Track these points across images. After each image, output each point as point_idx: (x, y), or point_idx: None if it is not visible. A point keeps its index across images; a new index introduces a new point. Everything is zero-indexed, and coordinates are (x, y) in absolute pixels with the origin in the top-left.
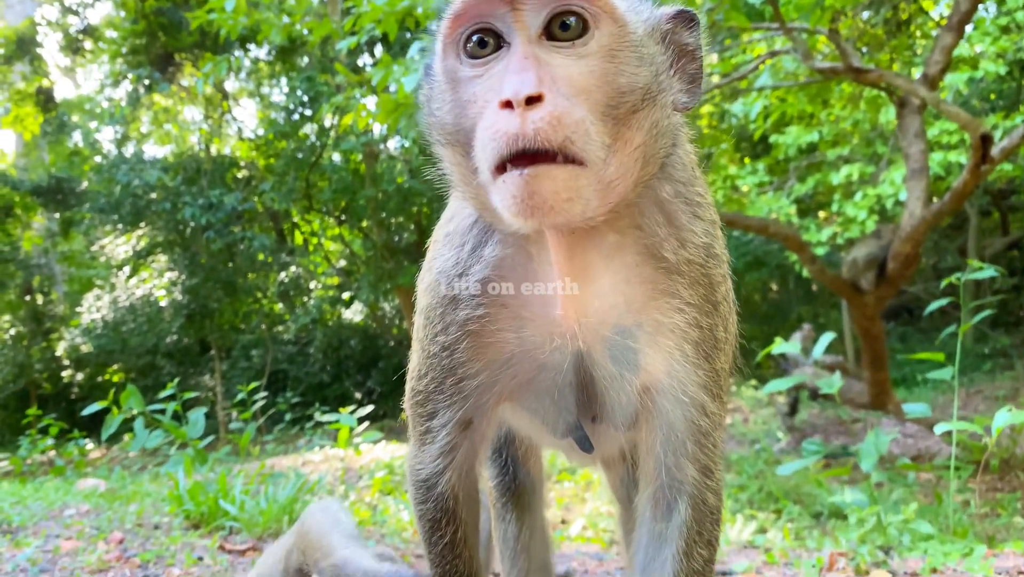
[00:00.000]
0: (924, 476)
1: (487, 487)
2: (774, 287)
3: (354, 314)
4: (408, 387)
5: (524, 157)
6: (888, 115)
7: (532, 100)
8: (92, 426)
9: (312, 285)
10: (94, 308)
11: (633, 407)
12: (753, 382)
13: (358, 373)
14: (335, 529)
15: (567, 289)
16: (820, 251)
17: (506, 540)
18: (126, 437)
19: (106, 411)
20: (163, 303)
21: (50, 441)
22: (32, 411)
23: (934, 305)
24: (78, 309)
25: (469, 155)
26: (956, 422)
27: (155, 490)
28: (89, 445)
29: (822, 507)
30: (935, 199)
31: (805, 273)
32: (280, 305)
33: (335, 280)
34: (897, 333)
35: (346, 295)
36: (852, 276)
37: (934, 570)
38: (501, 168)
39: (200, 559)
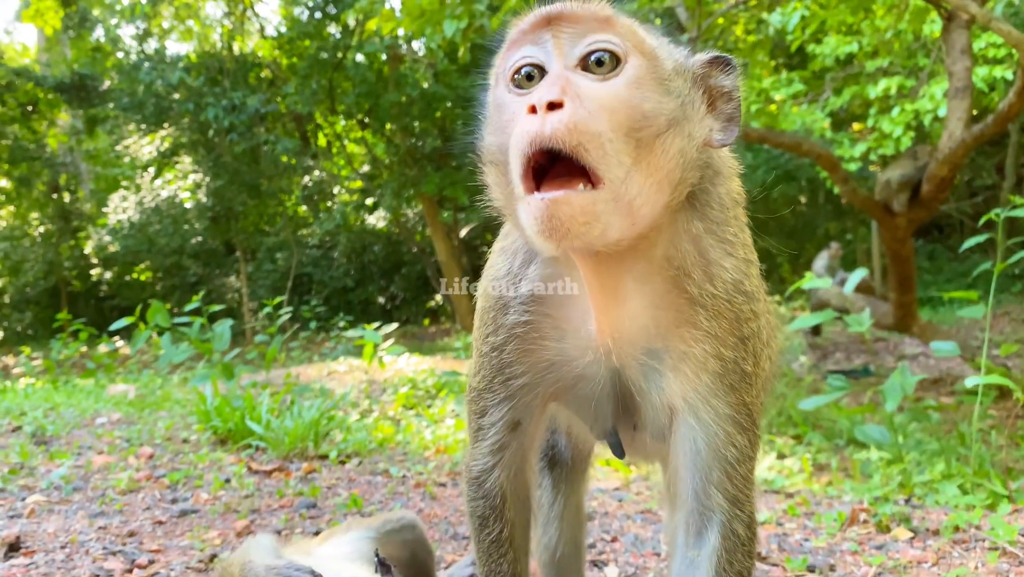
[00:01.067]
0: (945, 400)
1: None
2: (803, 200)
3: (377, 220)
4: (468, 386)
5: (548, 176)
6: (933, 27)
7: (554, 106)
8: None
9: (336, 190)
10: (120, 208)
11: (664, 423)
12: (777, 298)
13: (381, 278)
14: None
15: (600, 308)
16: (852, 167)
17: (539, 507)
18: (154, 336)
19: (146, 304)
20: (188, 205)
21: (81, 347)
22: (62, 315)
23: (970, 242)
24: (104, 209)
25: (507, 174)
26: (985, 376)
27: (183, 398)
28: (120, 343)
29: (842, 434)
30: (977, 121)
31: (836, 189)
32: (304, 208)
33: (358, 184)
34: (926, 251)
35: (369, 201)
36: (884, 197)
37: (956, 528)
38: (528, 177)
39: (227, 481)
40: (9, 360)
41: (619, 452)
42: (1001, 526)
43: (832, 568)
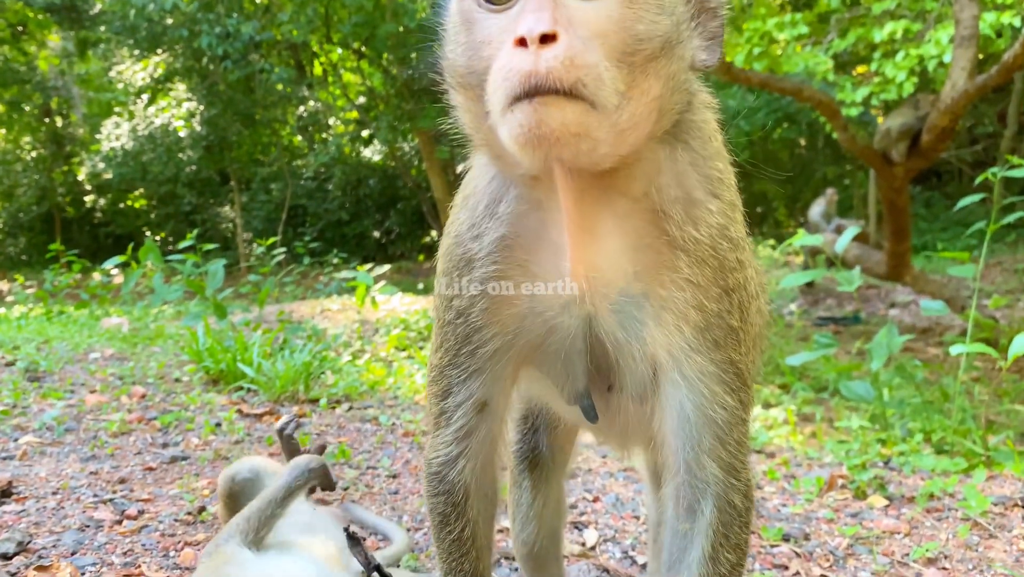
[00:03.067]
0: (932, 351)
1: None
2: (802, 144)
3: (373, 153)
4: (428, 365)
5: (536, 95)
6: None
7: (546, 39)
8: (118, 250)
9: (331, 121)
10: (114, 136)
11: (645, 381)
12: (771, 241)
13: (377, 213)
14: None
15: (576, 246)
16: (853, 111)
17: (519, 505)
18: (150, 265)
19: (138, 232)
20: (182, 133)
21: (75, 276)
22: (55, 246)
23: (964, 201)
24: (98, 136)
25: (482, 99)
26: (971, 344)
27: (176, 334)
28: (115, 271)
29: (828, 386)
30: (982, 69)
31: (835, 135)
32: (299, 139)
33: (354, 115)
34: (922, 199)
35: (365, 133)
36: (884, 146)
37: (931, 496)
38: (512, 106)
39: (218, 425)
40: (3, 286)
41: (592, 416)
42: (974, 497)
43: (807, 537)
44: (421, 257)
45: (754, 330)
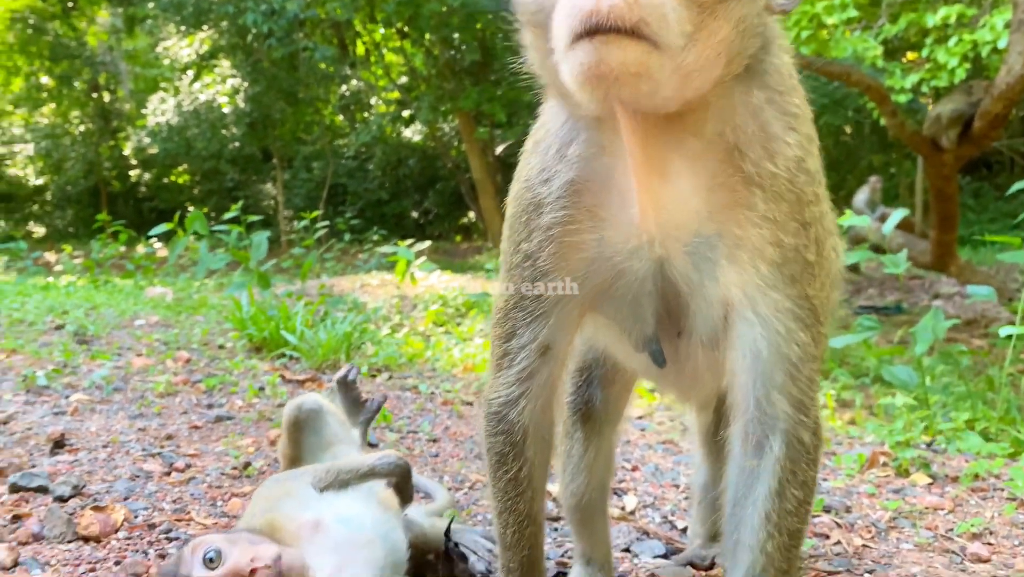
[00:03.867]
0: (977, 342)
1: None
2: (848, 131)
3: (413, 133)
4: (493, 307)
5: (596, 34)
6: None
7: None
8: (162, 221)
9: (373, 100)
10: (159, 111)
11: (717, 322)
12: None
13: (416, 193)
14: None
15: (644, 190)
16: (903, 98)
17: (569, 456)
18: (192, 239)
19: (181, 207)
20: (226, 110)
21: (120, 247)
22: (102, 216)
23: (1017, 186)
24: (144, 111)
25: (548, 37)
26: (1020, 326)
27: (219, 304)
28: (158, 245)
29: (868, 373)
30: None
31: (883, 121)
32: (341, 119)
33: (395, 95)
34: (971, 189)
35: (406, 113)
36: (933, 133)
37: (976, 476)
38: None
39: (261, 389)
40: (50, 257)
41: (660, 360)
42: (1021, 477)
43: (848, 510)
44: (459, 238)
45: (828, 266)
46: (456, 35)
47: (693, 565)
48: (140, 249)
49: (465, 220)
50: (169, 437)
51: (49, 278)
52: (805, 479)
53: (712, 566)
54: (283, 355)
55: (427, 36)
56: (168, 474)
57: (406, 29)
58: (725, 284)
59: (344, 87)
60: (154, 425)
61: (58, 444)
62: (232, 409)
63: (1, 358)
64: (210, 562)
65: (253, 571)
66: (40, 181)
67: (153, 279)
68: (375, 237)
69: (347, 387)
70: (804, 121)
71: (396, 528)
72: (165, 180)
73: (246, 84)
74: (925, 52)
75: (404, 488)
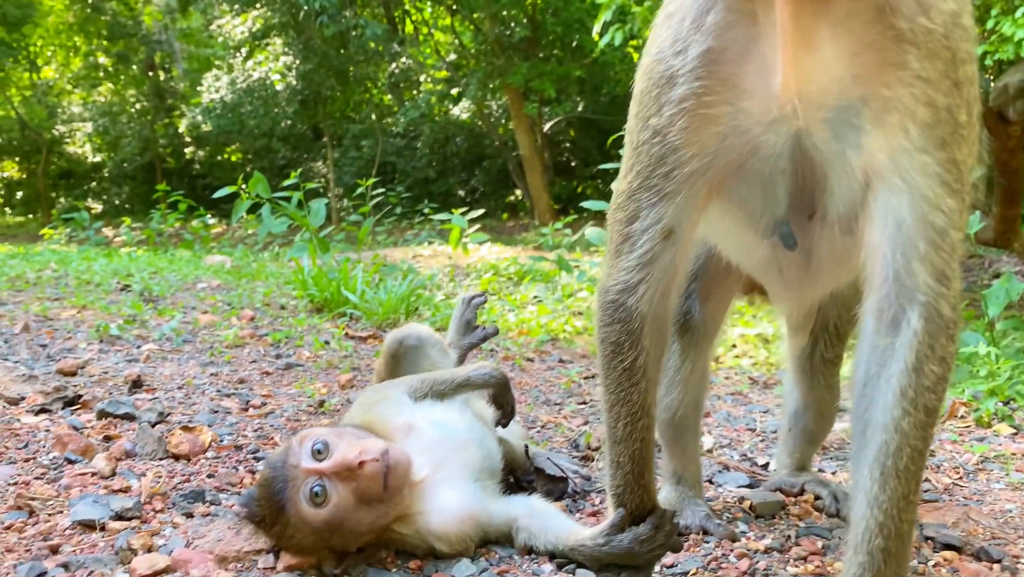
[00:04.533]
0: None
1: None
2: None
3: (461, 111)
4: (614, 192)
5: None
6: None
7: None
8: (214, 204)
9: (421, 78)
10: (213, 88)
11: (855, 196)
12: None
13: (463, 171)
14: None
15: (789, 57)
16: None
17: (665, 369)
18: (245, 216)
19: (233, 194)
20: (278, 87)
21: (179, 217)
22: (162, 187)
23: None
24: (198, 88)
25: None
26: None
27: (277, 271)
28: (211, 221)
29: None
30: None
31: None
32: (390, 97)
33: (444, 74)
34: None
35: (454, 91)
36: (999, 104)
37: None
38: None
39: (327, 343)
40: (108, 232)
41: (791, 241)
42: None
43: (932, 453)
44: (505, 216)
45: (976, 127)
46: (505, 11)
47: (782, 491)
48: (192, 229)
49: (512, 198)
50: (241, 381)
51: (109, 249)
52: (944, 354)
53: (802, 492)
54: (344, 314)
55: (476, 13)
56: (246, 409)
57: (455, 6)
58: (869, 150)
59: (393, 65)
60: (225, 371)
61: (136, 384)
62: (300, 359)
63: (73, 313)
64: (317, 453)
65: (361, 464)
66: (98, 159)
67: (211, 249)
68: (426, 210)
69: (467, 307)
70: None
71: (491, 438)
72: (219, 158)
73: (298, 62)
74: (990, 24)
75: (502, 399)
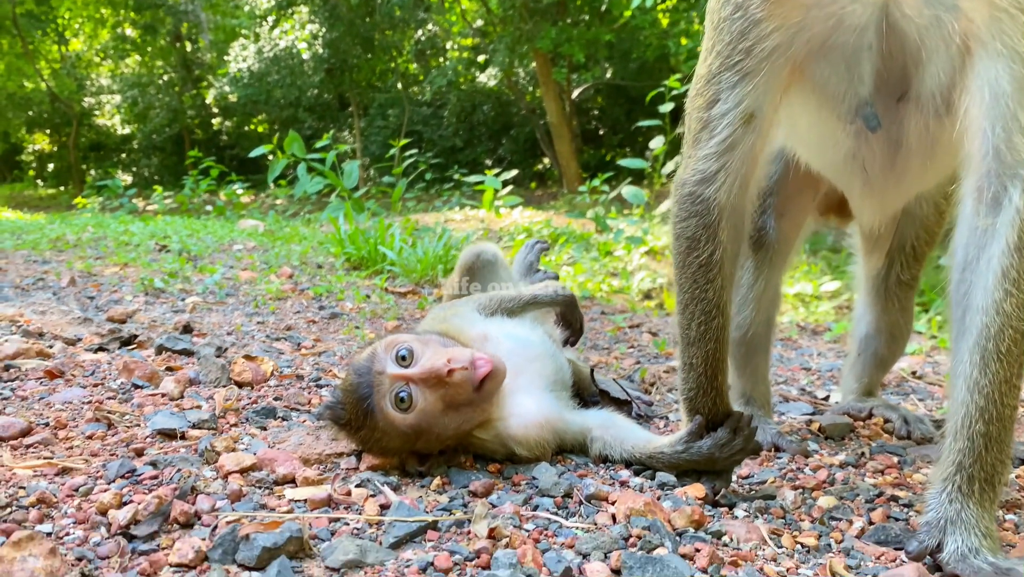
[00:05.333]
0: None
1: None
2: None
3: (488, 78)
4: (694, 78)
5: None
6: None
7: None
8: (245, 170)
9: (448, 45)
10: (240, 58)
11: (951, 69)
12: None
13: (490, 140)
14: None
15: None
16: None
17: (738, 286)
18: (272, 187)
19: (262, 158)
20: (305, 56)
21: (211, 182)
22: (193, 152)
23: None
24: (225, 58)
25: None
26: None
27: (310, 234)
28: (239, 191)
29: None
30: None
31: None
32: (415, 66)
33: (470, 41)
34: None
35: (481, 58)
36: None
37: None
38: None
39: (367, 296)
40: (140, 202)
41: (874, 123)
42: None
43: None
44: (533, 184)
45: None
46: None
47: (850, 415)
48: (223, 197)
49: (540, 167)
50: (288, 328)
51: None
52: None
53: (871, 416)
54: (381, 271)
55: None
56: (298, 349)
57: None
58: (966, 12)
59: (419, 32)
60: (272, 320)
61: (187, 329)
62: (343, 310)
63: (116, 270)
64: (402, 359)
65: (450, 372)
66: (127, 130)
67: (243, 216)
68: (455, 176)
69: (532, 251)
70: None
71: (561, 354)
72: (245, 128)
73: (324, 30)
74: None
75: (570, 317)
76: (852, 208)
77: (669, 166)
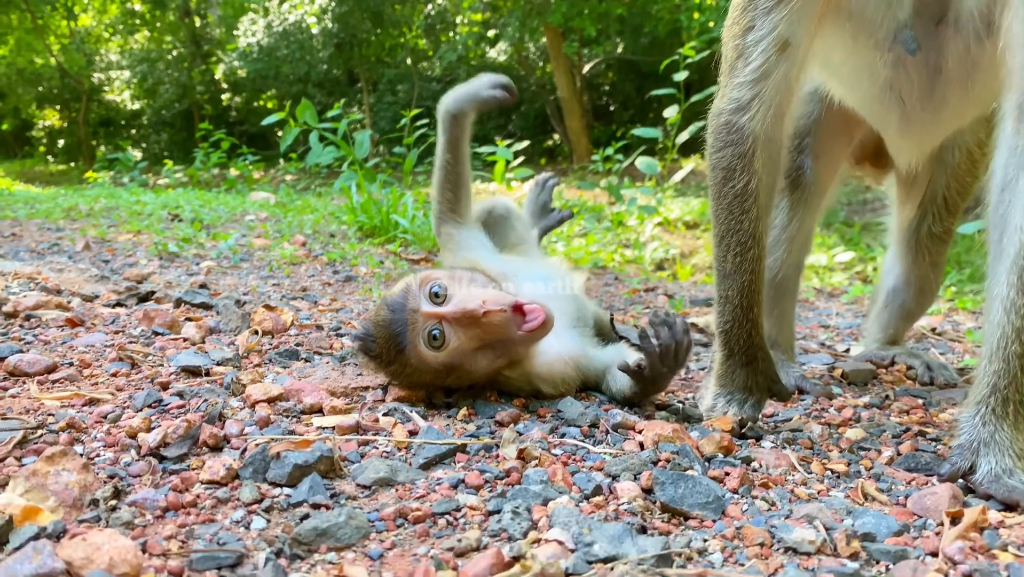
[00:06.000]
0: None
1: None
2: None
3: (498, 54)
4: (730, 8)
5: None
6: None
7: None
8: (252, 148)
9: (457, 20)
10: (249, 32)
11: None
12: None
13: (500, 115)
14: None
15: None
16: None
17: (771, 227)
18: (282, 162)
19: (272, 133)
20: (314, 30)
21: (222, 155)
22: (203, 125)
23: None
24: (234, 33)
25: None
26: None
27: (322, 206)
28: (249, 164)
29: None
30: None
31: None
32: (425, 41)
33: (480, 16)
34: None
35: (491, 32)
36: None
37: None
38: None
39: (381, 262)
40: (150, 177)
41: (913, 46)
42: None
43: None
44: (543, 161)
45: None
46: None
47: (872, 363)
48: (233, 172)
49: (550, 142)
50: (304, 289)
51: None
52: None
53: (893, 363)
54: (393, 239)
55: None
56: (315, 305)
57: None
58: None
59: (429, 6)
60: (287, 282)
61: (203, 286)
62: (358, 274)
63: (130, 237)
64: (435, 297)
65: (486, 313)
66: (136, 106)
67: (254, 188)
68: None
69: (542, 189)
70: None
71: (581, 296)
72: (255, 104)
73: (333, 4)
74: None
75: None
76: (888, 145)
77: (683, 135)
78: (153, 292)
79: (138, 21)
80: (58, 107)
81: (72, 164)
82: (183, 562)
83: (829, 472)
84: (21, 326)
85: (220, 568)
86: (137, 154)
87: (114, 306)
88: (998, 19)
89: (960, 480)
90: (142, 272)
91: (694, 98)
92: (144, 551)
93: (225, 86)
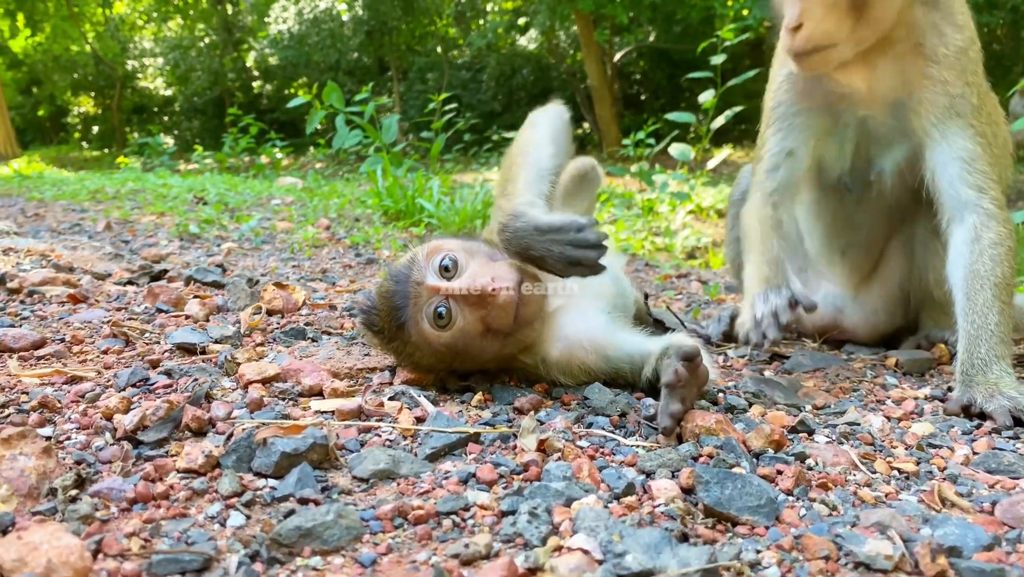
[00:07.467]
0: None
1: None
2: (1000, 35)
3: (528, 41)
4: (758, 139)
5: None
6: None
7: (796, 28)
8: (283, 129)
9: (488, 8)
10: (280, 19)
11: (905, 151)
12: None
13: (529, 104)
14: None
15: (858, 74)
16: None
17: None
18: (311, 149)
19: (301, 120)
20: (344, 18)
21: (250, 140)
22: (233, 110)
23: None
24: (265, 20)
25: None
26: None
27: (349, 191)
28: (278, 155)
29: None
30: None
31: None
32: (455, 30)
33: (510, 4)
34: None
35: (521, 20)
36: None
37: None
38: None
39: (405, 246)
40: (179, 163)
41: (849, 184)
42: None
43: None
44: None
45: (993, 117)
46: None
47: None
48: (263, 158)
49: (579, 131)
50: (324, 271)
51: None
52: (998, 231)
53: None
54: (418, 223)
55: None
56: (333, 286)
57: None
58: (913, 124)
59: None
60: (307, 264)
61: (219, 266)
62: (380, 257)
63: (152, 218)
64: (445, 270)
65: (495, 291)
66: (169, 93)
67: (281, 174)
68: (495, 137)
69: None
70: (967, 29)
71: (623, 278)
72: (285, 92)
73: None
74: None
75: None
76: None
77: (719, 120)
78: (166, 271)
79: (171, 8)
80: (93, 94)
81: (106, 150)
82: (140, 565)
83: (896, 472)
84: (22, 302)
85: (183, 573)
86: (169, 141)
87: (125, 284)
88: (914, 170)
89: None
90: (160, 252)
91: (731, 82)
92: (98, 551)
93: (256, 73)
